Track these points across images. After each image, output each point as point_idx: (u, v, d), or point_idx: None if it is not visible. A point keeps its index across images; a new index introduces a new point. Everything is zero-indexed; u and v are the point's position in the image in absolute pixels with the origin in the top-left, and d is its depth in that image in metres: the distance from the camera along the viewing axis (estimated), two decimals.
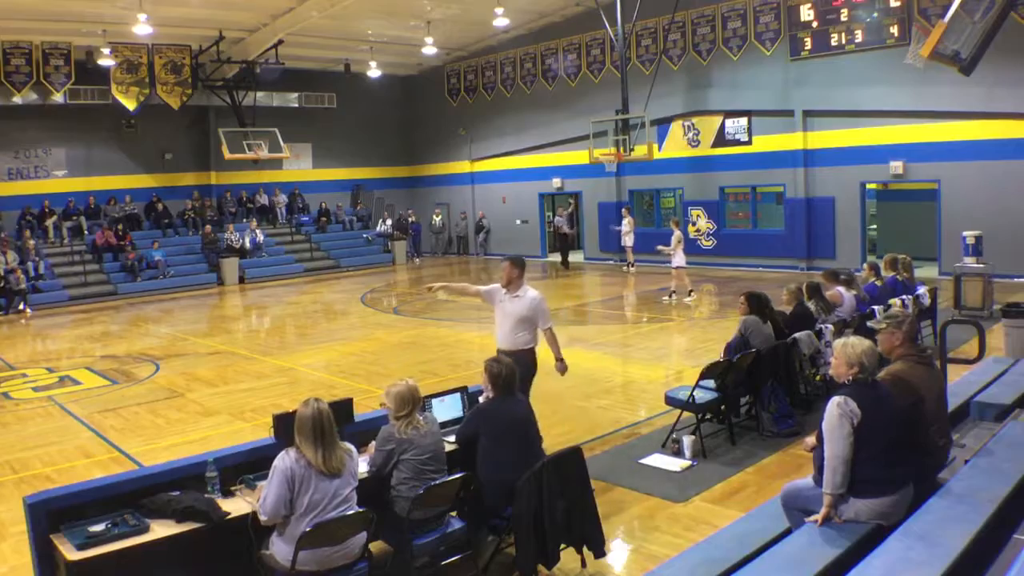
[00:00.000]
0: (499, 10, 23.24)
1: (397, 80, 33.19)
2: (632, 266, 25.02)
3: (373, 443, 5.69)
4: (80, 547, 4.65)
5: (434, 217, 33.43)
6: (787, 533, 5.05)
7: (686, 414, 8.53)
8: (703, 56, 24.41)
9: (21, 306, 22.63)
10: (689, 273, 19.62)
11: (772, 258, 23.43)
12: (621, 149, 23.02)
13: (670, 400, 8.72)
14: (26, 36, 24.23)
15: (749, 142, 23.82)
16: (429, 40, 26.71)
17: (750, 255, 24.06)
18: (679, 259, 18.75)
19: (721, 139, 24.47)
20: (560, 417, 9.78)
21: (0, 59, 24.18)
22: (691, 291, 19.24)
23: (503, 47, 30.18)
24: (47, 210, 26.74)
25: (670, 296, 18.98)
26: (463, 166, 32.74)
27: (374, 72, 30.14)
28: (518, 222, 30.75)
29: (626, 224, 24.87)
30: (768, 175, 23.37)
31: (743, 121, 23.89)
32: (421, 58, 30.40)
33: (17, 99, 25.07)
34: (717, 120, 24.50)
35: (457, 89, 32.75)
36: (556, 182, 29.31)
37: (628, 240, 24.87)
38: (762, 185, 24.08)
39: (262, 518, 4.90)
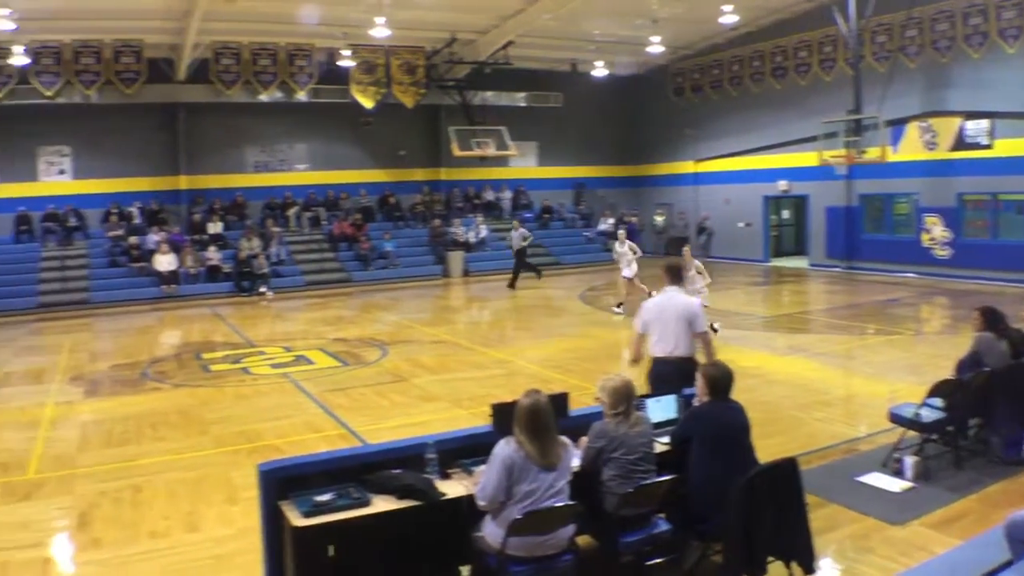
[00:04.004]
0: (727, 7, 22.76)
1: (622, 79, 33.12)
2: (513, 286, 24.21)
3: (584, 438, 5.70)
4: (306, 514, 4.94)
5: (656, 217, 33.18)
6: (1007, 565, 4.66)
7: (910, 433, 8.09)
8: (942, 54, 22.93)
9: (263, 289, 24.50)
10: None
11: (1015, 271, 21.65)
12: (852, 151, 22.02)
13: (894, 417, 8.28)
14: (273, 39, 26.12)
15: (990, 146, 22.16)
16: (655, 39, 26.52)
17: (990, 267, 22.35)
18: (629, 270, 18.10)
19: (960, 142, 22.87)
20: (777, 427, 9.50)
21: (249, 60, 26.15)
22: (621, 303, 18.37)
23: (730, 45, 29.53)
24: (289, 201, 28.65)
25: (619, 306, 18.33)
26: (687, 166, 32.30)
27: (600, 72, 30.25)
28: (741, 225, 30.02)
29: (518, 237, 24.60)
30: (1011, 182, 21.60)
31: (984, 123, 22.25)
32: (647, 57, 30.23)
33: (264, 97, 27.01)
34: (956, 122, 22.91)
35: (682, 88, 32.34)
36: (782, 184, 28.39)
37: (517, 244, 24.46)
38: (1005, 192, 22.29)
39: (480, 503, 5.04)
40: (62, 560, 6.87)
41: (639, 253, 18.54)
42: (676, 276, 7.91)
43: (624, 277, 18.38)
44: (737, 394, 6.01)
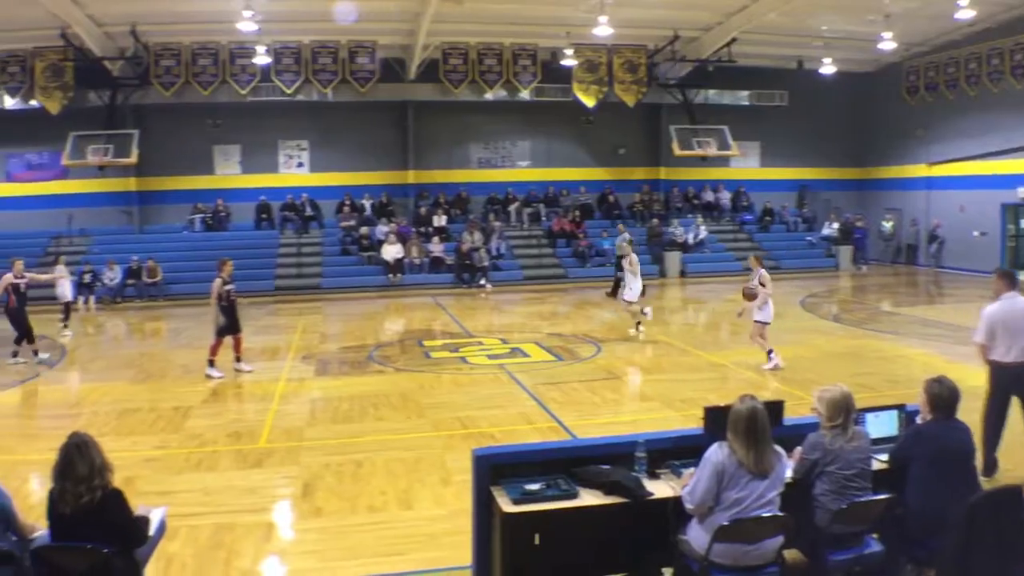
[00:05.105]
0: (962, 2, 21.37)
1: (851, 77, 31.72)
2: (614, 295, 21.81)
3: (798, 449, 5.57)
4: (515, 501, 5.09)
5: (884, 223, 31.60)
6: None
7: None
8: None
9: (482, 281, 25.26)
10: None
11: None
12: None
13: None
14: (498, 39, 26.85)
15: None
16: (886, 35, 25.18)
17: None
18: (630, 292, 16.48)
19: None
20: (1002, 452, 8.82)
21: (475, 60, 26.94)
22: (639, 324, 16.68)
23: (967, 41, 27.59)
24: (510, 196, 29.35)
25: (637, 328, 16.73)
26: (918, 170, 30.48)
27: (827, 69, 29.20)
28: (976, 234, 28.06)
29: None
30: None
31: None
32: (877, 54, 28.82)
33: (489, 95, 27.83)
34: None
35: (916, 87, 30.51)
36: (1022, 192, 26.31)
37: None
38: None
39: (688, 506, 5.03)
40: (284, 525, 7.38)
41: (637, 270, 16.62)
42: (1012, 281, 7.86)
43: (624, 300, 16.89)
44: (962, 415, 5.70)
